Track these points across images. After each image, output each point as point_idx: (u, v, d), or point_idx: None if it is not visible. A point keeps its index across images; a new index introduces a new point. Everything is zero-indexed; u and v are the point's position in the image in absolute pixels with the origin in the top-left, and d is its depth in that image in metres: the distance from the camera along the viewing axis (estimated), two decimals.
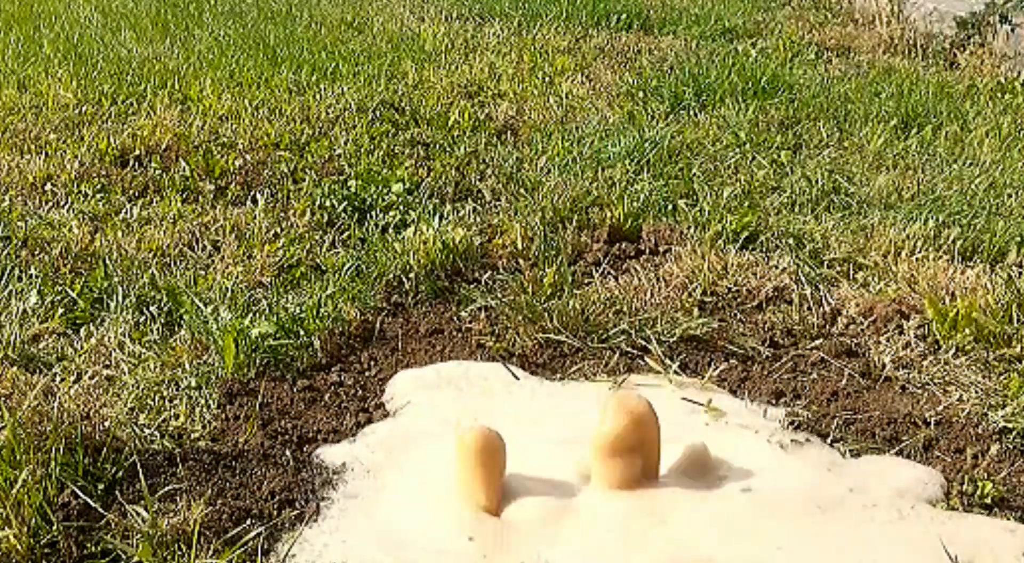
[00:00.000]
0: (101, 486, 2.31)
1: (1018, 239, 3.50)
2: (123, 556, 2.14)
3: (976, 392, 2.76)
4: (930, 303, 3.04)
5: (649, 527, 2.28)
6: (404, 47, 6.24)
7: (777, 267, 3.36)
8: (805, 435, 2.60)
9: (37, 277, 3.25)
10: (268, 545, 2.20)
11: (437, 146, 4.53)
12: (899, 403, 2.75)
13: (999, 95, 5.33)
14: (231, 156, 4.30)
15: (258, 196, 3.95)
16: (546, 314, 3.05)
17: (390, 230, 3.67)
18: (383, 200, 3.86)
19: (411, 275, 3.34)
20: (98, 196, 3.95)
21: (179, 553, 2.13)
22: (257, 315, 3.03)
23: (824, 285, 3.28)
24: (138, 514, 2.20)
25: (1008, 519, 2.33)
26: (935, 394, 2.78)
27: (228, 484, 2.38)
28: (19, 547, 2.12)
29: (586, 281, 3.36)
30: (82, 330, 3.01)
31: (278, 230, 3.67)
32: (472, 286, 3.33)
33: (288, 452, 2.52)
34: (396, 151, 4.45)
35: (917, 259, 3.37)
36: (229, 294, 3.15)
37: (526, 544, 2.23)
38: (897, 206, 3.85)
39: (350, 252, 3.53)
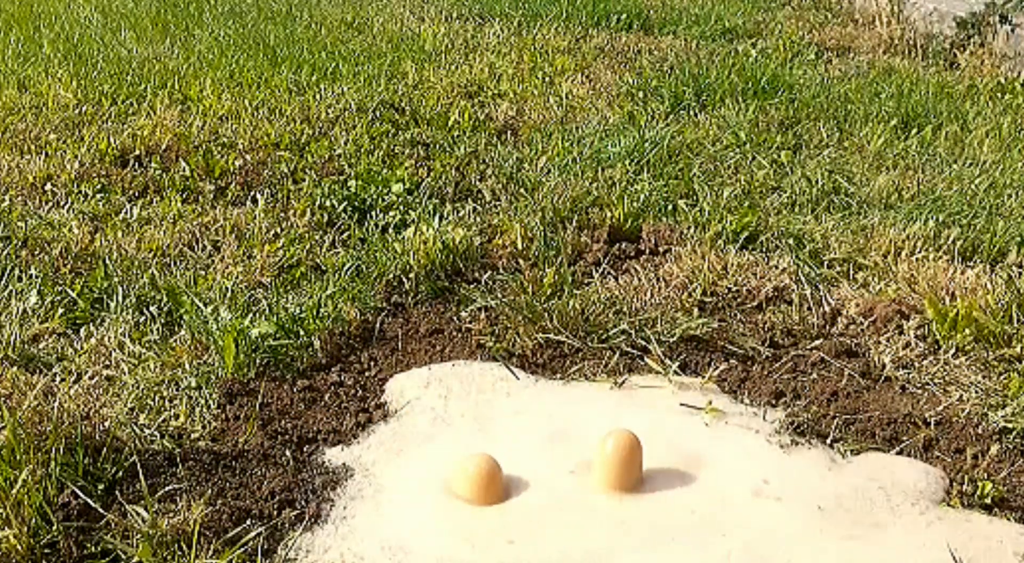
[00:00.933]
0: (101, 486, 2.31)
1: (1018, 239, 3.50)
2: (123, 556, 2.14)
3: (976, 392, 2.76)
4: (930, 303, 3.04)
5: (687, 527, 2.29)
6: (404, 47, 6.24)
7: (777, 267, 3.36)
8: (805, 435, 2.60)
9: (37, 277, 3.25)
10: (268, 545, 2.20)
11: (437, 146, 4.53)
12: (899, 403, 2.75)
13: (999, 95, 5.33)
14: (231, 156, 4.30)
15: (258, 196, 3.95)
16: (546, 314, 3.05)
17: (390, 230, 3.67)
18: (383, 200, 3.86)
19: (411, 275, 3.33)
20: (98, 196, 3.95)
21: (179, 553, 2.13)
22: (257, 315, 3.03)
23: (824, 285, 3.28)
24: (138, 514, 2.20)
25: (1008, 519, 2.33)
26: (935, 394, 2.78)
27: (228, 484, 2.38)
28: (19, 547, 2.12)
29: (586, 281, 3.36)
30: (82, 330, 3.01)
31: (278, 230, 3.67)
32: (472, 286, 3.33)
33: (288, 452, 2.52)
34: (396, 151, 4.45)
35: (917, 259, 3.37)
36: (229, 294, 3.15)
37: (548, 542, 2.24)
38: (897, 206, 3.85)
39: (350, 252, 3.53)
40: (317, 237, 3.65)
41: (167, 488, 2.32)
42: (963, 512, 2.34)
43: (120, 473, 2.35)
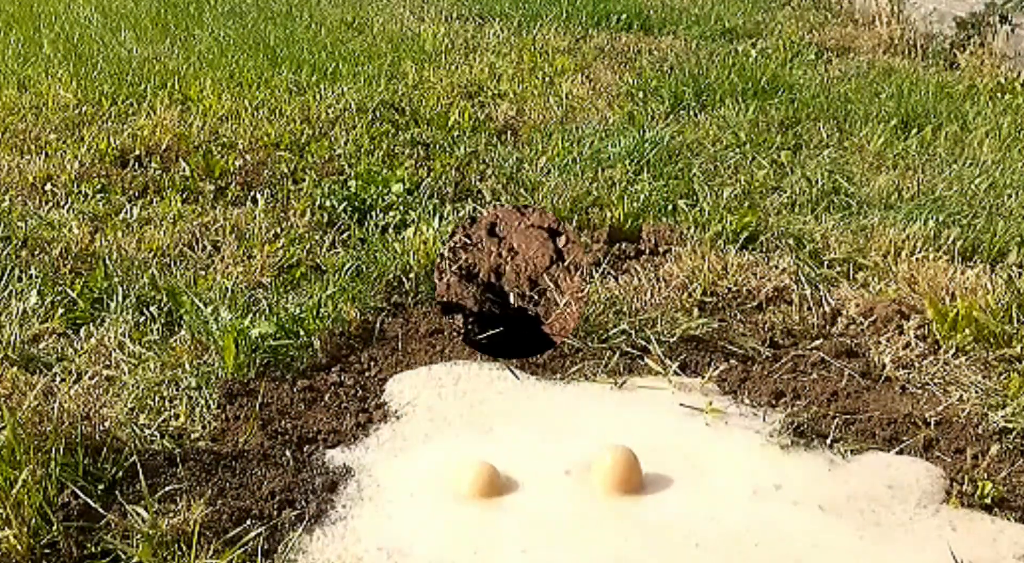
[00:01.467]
0: (101, 486, 2.31)
1: (1018, 239, 3.50)
2: (123, 556, 2.14)
3: (976, 392, 2.76)
4: (930, 303, 3.04)
5: (690, 529, 2.28)
6: (404, 47, 6.24)
7: (777, 267, 3.36)
8: (805, 436, 2.59)
9: (37, 277, 3.24)
10: (268, 546, 2.20)
11: (437, 146, 4.53)
12: (899, 403, 2.75)
13: (999, 95, 5.33)
14: (231, 156, 4.30)
15: (258, 196, 3.95)
16: None
17: (390, 230, 3.67)
18: (383, 200, 3.86)
19: (411, 275, 3.34)
20: (98, 196, 3.95)
21: (179, 553, 2.13)
22: (257, 315, 3.03)
23: (824, 285, 3.28)
24: (138, 514, 2.20)
25: (1008, 519, 2.33)
26: (935, 394, 2.78)
27: (228, 484, 2.38)
28: (19, 547, 2.12)
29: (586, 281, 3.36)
30: (82, 330, 3.01)
31: (278, 230, 3.67)
32: None
33: (288, 452, 2.52)
34: (396, 151, 4.45)
35: (917, 259, 3.37)
36: (229, 294, 3.15)
37: (550, 544, 2.24)
38: (897, 206, 3.85)
39: (350, 252, 3.52)
40: (317, 237, 3.65)
41: (167, 488, 2.32)
42: (967, 512, 2.34)
43: (120, 473, 2.35)
